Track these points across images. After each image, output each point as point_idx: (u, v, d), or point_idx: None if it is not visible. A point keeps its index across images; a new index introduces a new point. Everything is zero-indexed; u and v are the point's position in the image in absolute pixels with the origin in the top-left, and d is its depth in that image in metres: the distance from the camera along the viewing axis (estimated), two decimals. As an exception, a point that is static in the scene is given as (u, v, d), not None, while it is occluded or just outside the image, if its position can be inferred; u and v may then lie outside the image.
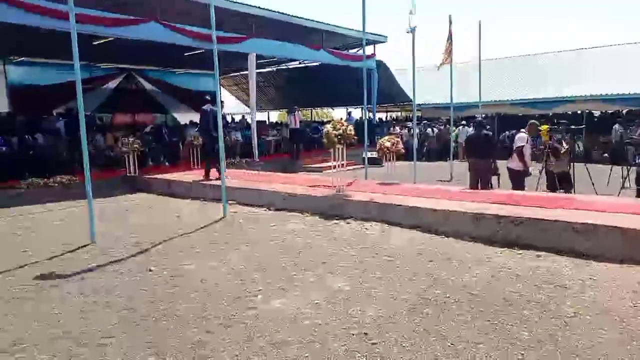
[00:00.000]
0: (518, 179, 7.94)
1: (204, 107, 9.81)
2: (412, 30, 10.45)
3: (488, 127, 9.79)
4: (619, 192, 8.01)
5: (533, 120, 8.45)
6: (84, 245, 5.81)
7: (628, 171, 8.17)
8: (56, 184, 10.00)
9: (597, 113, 20.67)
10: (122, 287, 4.34)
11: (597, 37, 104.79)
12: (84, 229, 6.17)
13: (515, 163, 7.91)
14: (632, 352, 2.86)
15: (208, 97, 9.94)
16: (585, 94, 18.75)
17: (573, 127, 9.07)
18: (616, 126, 16.27)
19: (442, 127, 20.46)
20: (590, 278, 4.06)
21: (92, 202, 6.01)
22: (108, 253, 5.45)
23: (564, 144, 8.15)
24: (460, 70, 18.18)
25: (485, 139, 8.37)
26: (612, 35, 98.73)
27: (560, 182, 7.97)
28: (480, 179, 8.41)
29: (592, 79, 19.68)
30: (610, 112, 19.87)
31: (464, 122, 18.12)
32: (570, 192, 7.79)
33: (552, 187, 7.98)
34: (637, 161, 8.01)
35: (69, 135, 11.91)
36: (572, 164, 8.13)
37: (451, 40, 12.75)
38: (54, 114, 15.07)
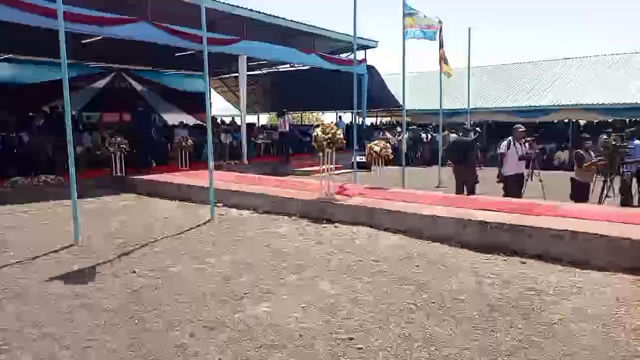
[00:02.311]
0: (579, 192, 7.73)
1: (140, 109, 9.85)
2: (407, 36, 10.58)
3: (476, 133, 9.90)
4: (603, 200, 8.12)
5: (517, 125, 8.59)
6: (68, 246, 5.72)
7: (612, 180, 8.28)
8: (41, 183, 9.86)
9: (582, 122, 21.01)
10: (105, 288, 4.28)
11: (584, 48, 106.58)
12: (68, 230, 6.08)
13: (579, 175, 7.77)
14: (614, 358, 2.90)
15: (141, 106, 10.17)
16: (571, 102, 19.04)
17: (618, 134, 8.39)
18: (602, 136, 16.49)
19: (434, 133, 20.61)
20: (574, 285, 4.10)
21: (76, 202, 5.93)
22: (92, 254, 5.37)
23: (592, 154, 7.97)
24: (452, 77, 18.36)
25: (465, 145, 8.51)
26: (602, 45, 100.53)
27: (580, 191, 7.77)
28: (465, 184, 8.52)
29: (577, 88, 20.00)
30: (595, 121, 20.21)
31: (453, 129, 18.24)
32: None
33: (576, 197, 7.76)
34: (622, 170, 8.11)
35: (49, 135, 11.75)
36: (595, 175, 7.90)
37: (442, 46, 12.87)
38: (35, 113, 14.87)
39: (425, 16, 10.77)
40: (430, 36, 10.97)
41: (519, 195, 8.00)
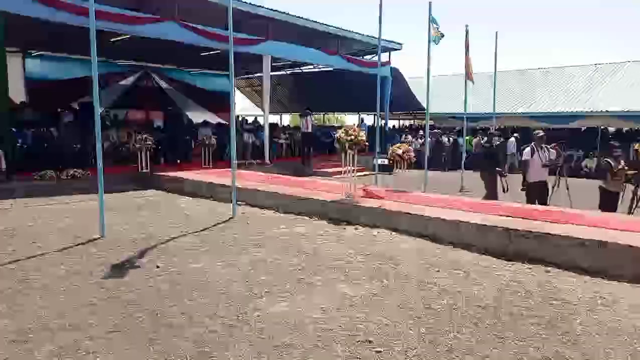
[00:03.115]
0: (608, 201, 7.54)
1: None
2: (436, 40, 10.49)
3: (499, 138, 9.80)
4: (633, 210, 7.88)
5: (538, 131, 8.45)
6: (94, 239, 5.86)
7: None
8: (69, 177, 10.12)
9: (612, 129, 20.45)
10: (128, 282, 4.37)
11: (614, 54, 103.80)
12: (94, 223, 6.22)
13: (608, 184, 7.60)
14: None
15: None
16: (600, 109, 18.54)
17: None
18: (634, 144, 16.02)
19: (457, 137, 20.31)
20: (600, 296, 4.00)
21: (103, 196, 6.07)
22: (116, 248, 5.49)
23: (622, 162, 7.72)
24: (477, 81, 18.10)
25: (487, 153, 8.45)
26: (632, 52, 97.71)
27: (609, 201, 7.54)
28: (488, 191, 8.46)
29: (607, 94, 19.46)
30: (625, 129, 19.65)
31: (516, 134, 17.80)
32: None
33: (604, 206, 7.52)
34: None
35: (77, 130, 12.05)
36: (625, 184, 7.66)
37: (468, 52, 12.71)
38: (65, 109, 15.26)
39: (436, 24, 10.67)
40: (435, 40, 10.81)
41: (542, 202, 7.84)
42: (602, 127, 19.67)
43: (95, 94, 5.87)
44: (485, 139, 9.85)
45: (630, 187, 7.78)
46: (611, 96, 19.10)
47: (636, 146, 8.11)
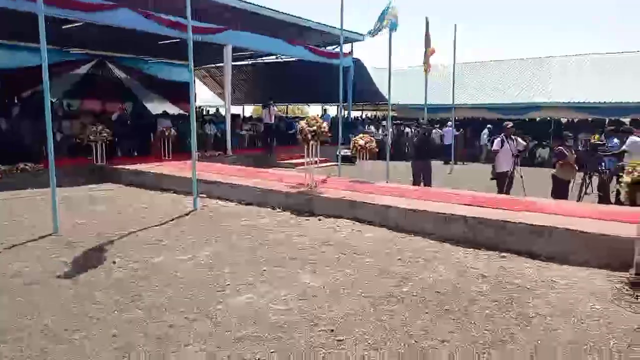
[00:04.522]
0: (559, 189, 7.85)
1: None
2: (371, 34, 10.61)
3: (433, 130, 10.28)
4: (581, 198, 8.27)
5: (507, 122, 8.79)
6: (47, 235, 5.63)
7: (591, 177, 8.44)
8: (19, 171, 9.65)
9: (564, 120, 21.33)
10: (85, 279, 4.23)
11: (567, 47, 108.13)
12: (47, 219, 5.98)
13: (560, 172, 7.89)
14: (587, 351, 2.97)
15: None
16: (554, 101, 19.28)
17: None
18: (581, 135, 16.82)
19: (418, 128, 20.64)
20: (552, 280, 4.18)
21: (55, 191, 5.82)
22: (71, 243, 5.29)
23: (573, 152, 8.12)
24: (437, 72, 18.44)
25: (425, 141, 8.92)
26: (585, 44, 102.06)
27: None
28: (423, 178, 8.92)
29: (559, 86, 20.25)
30: (576, 119, 20.53)
31: (449, 123, 18.19)
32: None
33: (555, 194, 7.88)
34: (600, 168, 8.27)
35: (28, 121, 11.47)
36: (575, 172, 8.04)
37: (429, 44, 12.92)
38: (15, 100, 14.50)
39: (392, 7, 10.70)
40: (393, 25, 10.84)
41: (508, 191, 8.14)
42: (555, 118, 20.48)
43: (45, 83, 5.60)
44: (419, 129, 10.23)
45: (580, 175, 8.17)
46: (565, 88, 19.89)
47: (595, 138, 8.51)
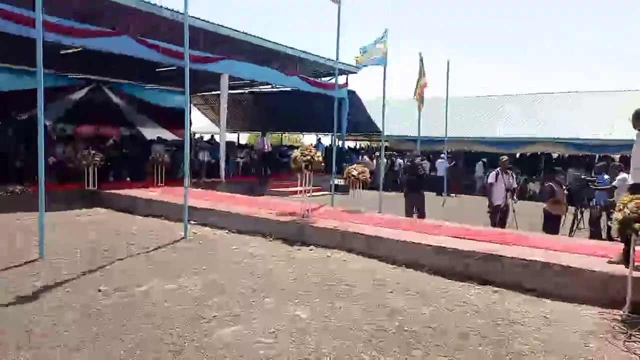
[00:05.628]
0: (551, 223, 7.87)
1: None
2: (359, 67, 10.84)
3: (423, 163, 10.39)
4: (573, 233, 8.29)
5: (503, 156, 8.92)
6: (32, 260, 5.51)
7: (582, 213, 8.49)
8: (8, 194, 9.54)
9: (554, 155, 21.59)
10: (68, 307, 4.11)
11: (557, 83, 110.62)
12: (34, 243, 5.86)
13: (548, 205, 7.93)
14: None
15: None
16: (545, 136, 19.56)
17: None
18: (571, 170, 17.01)
19: (412, 160, 20.75)
20: (545, 316, 4.13)
21: (43, 215, 5.73)
22: (56, 270, 5.18)
23: (563, 187, 8.18)
24: (431, 105, 18.66)
25: (415, 174, 9.03)
26: (574, 81, 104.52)
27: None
28: (418, 210, 8.96)
29: (550, 122, 20.59)
30: (567, 155, 20.78)
31: (443, 154, 18.31)
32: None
33: (547, 228, 7.88)
34: (591, 204, 8.34)
35: (19, 144, 11.41)
36: (567, 208, 8.08)
37: (422, 78, 13.17)
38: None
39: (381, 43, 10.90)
40: (381, 61, 11.04)
41: (502, 224, 8.15)
42: (545, 152, 20.73)
43: (40, 106, 5.60)
44: (411, 160, 10.32)
45: (571, 210, 8.21)
46: (555, 124, 20.22)
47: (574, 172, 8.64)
